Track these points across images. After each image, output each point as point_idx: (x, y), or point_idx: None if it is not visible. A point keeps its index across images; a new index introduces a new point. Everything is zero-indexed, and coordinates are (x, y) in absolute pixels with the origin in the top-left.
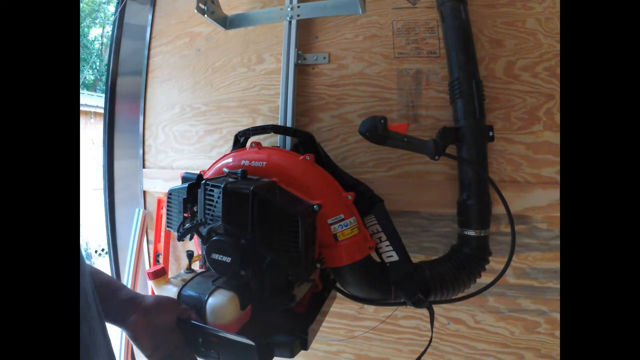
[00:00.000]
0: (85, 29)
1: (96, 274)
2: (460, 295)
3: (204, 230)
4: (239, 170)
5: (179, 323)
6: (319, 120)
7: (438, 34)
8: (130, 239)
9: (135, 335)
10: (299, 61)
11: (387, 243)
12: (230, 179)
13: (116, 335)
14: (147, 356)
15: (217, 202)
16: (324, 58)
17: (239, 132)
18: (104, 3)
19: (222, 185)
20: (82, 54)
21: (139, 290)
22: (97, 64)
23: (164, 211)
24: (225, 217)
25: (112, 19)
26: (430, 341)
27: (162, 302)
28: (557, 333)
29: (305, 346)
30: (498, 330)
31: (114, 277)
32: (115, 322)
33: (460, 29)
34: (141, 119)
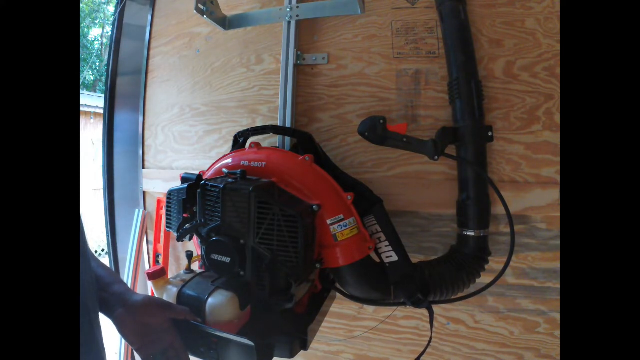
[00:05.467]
0: (85, 30)
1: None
2: (459, 295)
3: (203, 231)
4: (239, 171)
5: (176, 324)
6: (318, 121)
7: (437, 34)
8: (130, 239)
9: (122, 330)
10: (298, 61)
11: (387, 243)
12: (229, 180)
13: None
14: (135, 350)
15: (216, 202)
16: (323, 58)
17: (239, 133)
18: (104, 3)
19: (222, 186)
20: (82, 54)
21: (139, 290)
22: (97, 64)
23: (163, 212)
24: (224, 217)
25: (111, 19)
26: (430, 341)
27: (151, 304)
28: (557, 333)
29: (304, 346)
30: (498, 330)
31: None
32: (104, 313)
33: (460, 29)
34: (141, 119)
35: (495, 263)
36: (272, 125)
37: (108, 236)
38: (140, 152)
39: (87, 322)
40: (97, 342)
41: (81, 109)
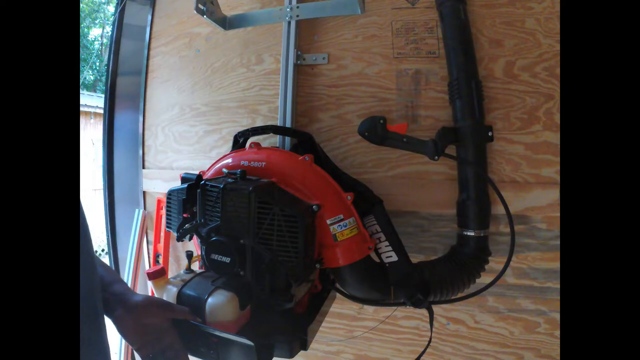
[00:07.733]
0: (85, 30)
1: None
2: (459, 295)
3: (203, 231)
4: (238, 171)
5: (176, 323)
6: (318, 121)
7: (437, 34)
8: (130, 239)
9: (122, 330)
10: (299, 61)
11: (387, 243)
12: (229, 180)
13: (116, 334)
14: (135, 350)
15: (216, 202)
16: (324, 58)
17: (239, 133)
18: (104, 3)
19: (222, 186)
20: (82, 54)
21: (139, 290)
22: (97, 64)
23: (163, 212)
24: (224, 217)
25: (111, 19)
26: (430, 341)
27: (151, 304)
28: (557, 333)
29: (304, 346)
30: (498, 330)
31: None
32: (104, 312)
33: (460, 29)
34: (141, 119)
35: (495, 263)
36: (272, 125)
37: (108, 236)
38: (140, 152)
39: (96, 322)
40: (103, 342)
41: (81, 109)
